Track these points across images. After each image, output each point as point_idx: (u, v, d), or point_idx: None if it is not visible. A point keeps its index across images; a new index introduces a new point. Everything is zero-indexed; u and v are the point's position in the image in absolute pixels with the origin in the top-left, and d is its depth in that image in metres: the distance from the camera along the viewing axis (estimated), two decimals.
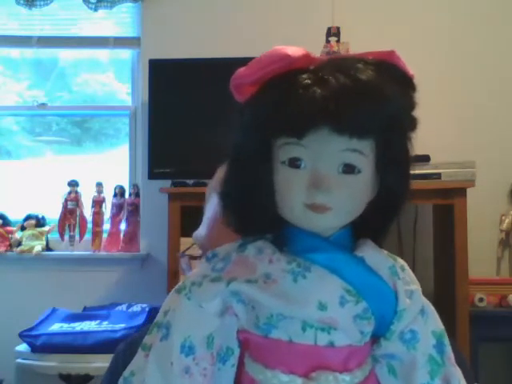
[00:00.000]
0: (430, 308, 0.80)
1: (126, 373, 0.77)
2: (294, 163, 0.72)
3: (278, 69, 0.72)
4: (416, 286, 0.79)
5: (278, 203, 0.75)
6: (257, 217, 0.77)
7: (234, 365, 0.76)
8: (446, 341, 0.79)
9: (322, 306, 0.73)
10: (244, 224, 0.79)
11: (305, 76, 0.71)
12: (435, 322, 0.80)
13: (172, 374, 0.73)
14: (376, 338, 0.78)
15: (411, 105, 0.74)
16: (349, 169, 0.72)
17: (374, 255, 0.78)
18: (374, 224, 0.79)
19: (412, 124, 0.75)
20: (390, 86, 0.70)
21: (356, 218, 0.76)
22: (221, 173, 1.07)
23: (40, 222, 2.97)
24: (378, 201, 0.77)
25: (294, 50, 0.73)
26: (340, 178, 0.72)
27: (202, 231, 1.07)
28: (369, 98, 0.69)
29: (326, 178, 0.71)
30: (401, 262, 0.80)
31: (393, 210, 0.80)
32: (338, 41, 2.70)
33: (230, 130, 0.77)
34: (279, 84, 0.72)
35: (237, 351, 0.76)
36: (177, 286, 0.79)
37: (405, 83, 0.73)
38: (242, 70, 0.75)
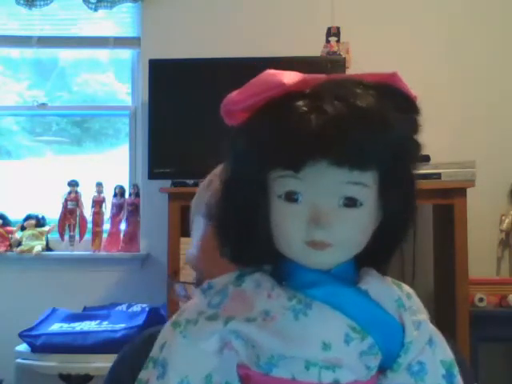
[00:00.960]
0: (439, 337, 0.76)
1: None
2: (291, 197, 0.68)
3: (272, 96, 0.69)
4: (424, 316, 0.75)
5: (275, 238, 0.71)
6: (253, 248, 0.73)
7: None
8: (456, 371, 0.75)
9: (326, 346, 0.69)
10: (239, 255, 0.75)
11: (301, 103, 0.67)
12: (444, 352, 0.76)
13: None
14: (383, 369, 0.74)
15: (416, 130, 0.70)
16: (350, 202, 0.68)
17: (378, 287, 0.74)
18: (378, 251, 0.75)
19: (416, 148, 0.71)
20: (392, 112, 0.66)
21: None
22: (202, 190, 1.06)
23: (40, 222, 2.97)
24: (381, 228, 0.73)
25: (290, 77, 0.69)
26: (341, 212, 0.68)
27: (193, 251, 1.03)
28: (369, 126, 0.65)
29: (325, 213, 0.67)
30: (407, 289, 0.77)
31: (397, 236, 0.76)
32: (338, 41, 2.70)
33: (221, 153, 0.74)
34: (273, 112, 0.68)
35: None
36: (172, 320, 0.76)
37: (408, 107, 0.70)
38: (233, 95, 0.71)
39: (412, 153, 0.72)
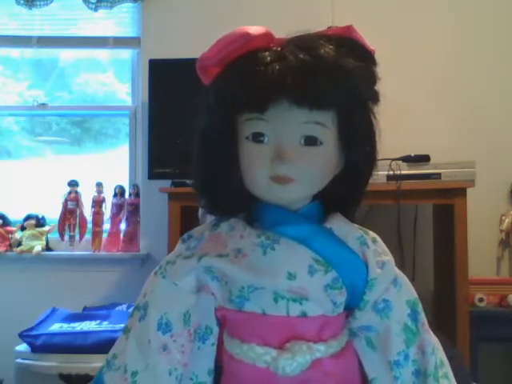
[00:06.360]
0: (404, 279, 0.82)
1: (109, 356, 0.80)
2: (258, 138, 0.74)
3: (240, 48, 0.74)
4: (388, 258, 0.81)
5: (245, 178, 0.77)
6: (226, 194, 0.79)
7: (213, 344, 0.78)
8: (420, 308, 0.80)
9: (291, 276, 0.74)
10: (215, 203, 0.81)
11: (265, 54, 0.73)
12: (408, 292, 0.81)
13: (150, 351, 0.75)
14: (351, 310, 0.79)
15: (372, 78, 0.76)
16: (310, 141, 0.74)
17: (342, 227, 0.79)
18: (344, 198, 0.81)
19: (373, 97, 0.77)
20: (348, 59, 0.72)
21: (326, 192, 0.78)
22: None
23: (40, 222, 2.97)
24: (345, 175, 0.79)
25: (255, 29, 0.75)
26: (302, 149, 0.74)
27: None
28: (325, 71, 0.70)
29: (288, 151, 0.73)
30: (372, 234, 0.82)
31: (360, 184, 0.82)
32: None
33: (196, 112, 0.79)
34: (241, 62, 0.74)
35: (216, 330, 0.78)
36: (154, 269, 0.82)
37: (364, 57, 0.75)
38: (205, 51, 0.78)
39: (368, 99, 0.77)
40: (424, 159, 2.40)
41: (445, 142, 2.71)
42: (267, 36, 0.75)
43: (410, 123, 2.69)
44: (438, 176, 2.36)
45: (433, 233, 2.70)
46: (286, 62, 0.70)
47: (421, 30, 2.83)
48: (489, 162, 2.68)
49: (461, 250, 2.29)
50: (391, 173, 2.29)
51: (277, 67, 0.70)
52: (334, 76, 0.71)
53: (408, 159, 2.38)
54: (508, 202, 2.78)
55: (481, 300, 2.42)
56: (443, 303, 2.39)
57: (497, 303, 2.46)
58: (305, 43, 0.72)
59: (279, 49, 0.72)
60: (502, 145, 2.79)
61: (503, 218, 2.76)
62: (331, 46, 0.72)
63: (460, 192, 2.30)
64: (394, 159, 2.30)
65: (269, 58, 0.72)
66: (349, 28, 0.76)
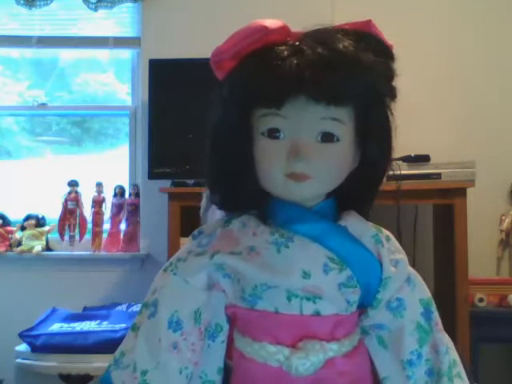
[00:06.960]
0: (417, 277, 0.81)
1: (117, 354, 0.78)
2: (273, 134, 0.73)
3: (256, 41, 0.73)
4: (402, 256, 0.80)
5: (259, 174, 0.75)
6: (239, 191, 0.77)
7: (223, 341, 0.76)
8: (434, 307, 0.80)
9: (306, 274, 0.73)
10: (227, 199, 0.79)
11: (282, 48, 0.71)
12: (422, 291, 0.80)
13: (160, 349, 0.74)
14: (364, 308, 0.78)
15: (390, 73, 0.75)
16: (327, 137, 0.72)
17: (357, 224, 0.78)
18: (358, 196, 0.80)
19: (391, 93, 0.76)
20: (367, 54, 0.71)
21: (341, 189, 0.77)
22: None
23: (40, 222, 2.97)
24: (360, 172, 0.78)
25: (272, 22, 0.73)
26: (319, 146, 0.72)
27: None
28: (344, 66, 0.69)
29: (304, 147, 0.71)
30: (386, 232, 0.81)
31: (375, 181, 0.81)
32: None
33: (210, 107, 0.77)
34: (257, 56, 0.72)
35: (226, 327, 0.77)
36: (164, 266, 0.81)
37: (382, 52, 0.74)
38: (220, 45, 0.75)
39: (386, 94, 0.76)
40: (424, 159, 2.40)
41: (445, 142, 2.71)
42: (284, 30, 0.73)
43: (410, 123, 2.68)
44: (438, 176, 2.36)
45: (433, 233, 2.70)
46: (304, 57, 0.69)
47: (421, 30, 2.83)
48: (489, 162, 2.68)
49: (461, 250, 2.29)
50: (391, 173, 2.29)
51: (294, 61, 0.69)
52: (352, 71, 0.69)
53: (408, 159, 2.38)
54: (508, 201, 2.78)
55: (481, 300, 2.42)
56: (443, 303, 2.38)
57: (497, 303, 2.46)
58: (322, 37, 0.71)
59: (296, 43, 0.71)
60: (502, 145, 2.79)
61: (503, 218, 2.75)
62: (349, 41, 0.71)
63: (460, 192, 2.30)
64: (394, 159, 2.30)
65: (286, 52, 0.70)
66: (368, 23, 0.75)
